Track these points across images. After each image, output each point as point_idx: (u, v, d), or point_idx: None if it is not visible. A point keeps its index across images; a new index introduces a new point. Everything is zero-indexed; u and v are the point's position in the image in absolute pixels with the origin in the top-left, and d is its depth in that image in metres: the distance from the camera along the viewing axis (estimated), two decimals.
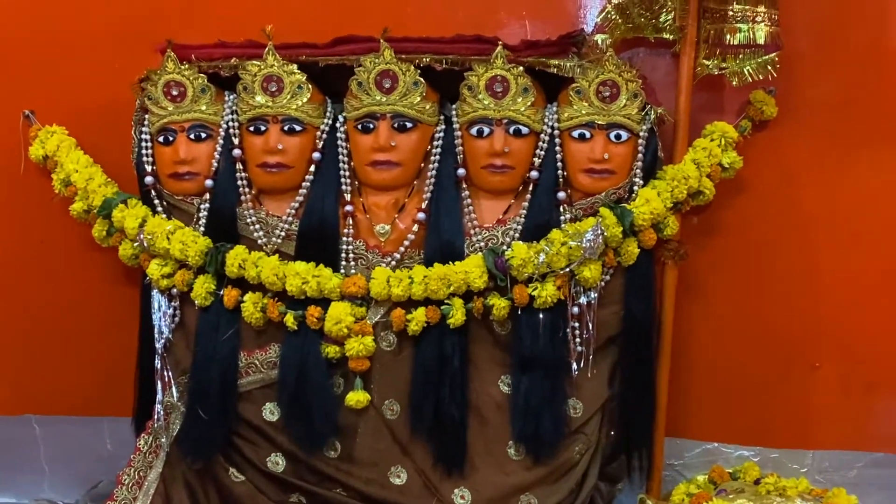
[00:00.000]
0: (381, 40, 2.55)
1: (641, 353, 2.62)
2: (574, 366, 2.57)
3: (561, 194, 2.57)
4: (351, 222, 2.61)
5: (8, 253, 3.01)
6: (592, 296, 2.57)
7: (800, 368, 2.82)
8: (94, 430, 3.04)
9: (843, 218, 2.76)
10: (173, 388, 2.67)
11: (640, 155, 2.57)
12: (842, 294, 2.77)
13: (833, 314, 2.78)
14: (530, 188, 2.59)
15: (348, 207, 2.61)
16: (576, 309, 2.57)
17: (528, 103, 2.55)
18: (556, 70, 2.55)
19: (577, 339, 2.58)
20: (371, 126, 2.58)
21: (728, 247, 2.78)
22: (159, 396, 2.66)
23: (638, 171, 2.57)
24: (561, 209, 2.57)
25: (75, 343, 3.02)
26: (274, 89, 2.59)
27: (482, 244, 2.58)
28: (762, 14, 2.56)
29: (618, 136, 2.55)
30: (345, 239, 2.61)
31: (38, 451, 3.06)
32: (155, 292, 2.69)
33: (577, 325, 2.58)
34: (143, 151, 2.69)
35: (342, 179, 2.63)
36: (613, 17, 2.64)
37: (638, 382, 2.63)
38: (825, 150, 2.75)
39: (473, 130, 2.57)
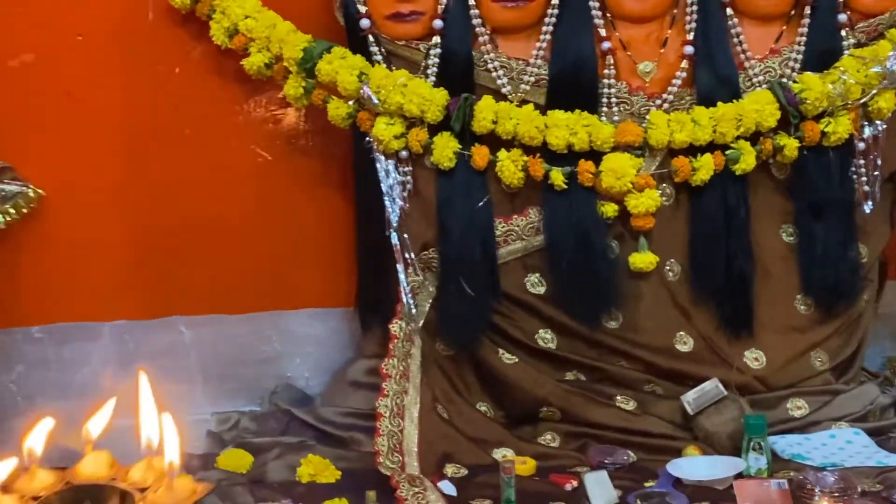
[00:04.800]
0: None
1: None
2: (866, 207, 2.98)
3: (842, 17, 2.96)
4: (613, 61, 2.90)
5: (137, 120, 3.15)
6: (881, 128, 2.97)
7: None
8: (254, 329, 3.28)
9: None
10: (415, 266, 2.94)
11: None
12: None
13: None
14: (806, 11, 2.96)
15: (606, 44, 2.92)
16: (862, 145, 2.97)
17: None
18: None
19: (865, 177, 2.99)
20: None
21: None
22: (402, 277, 2.94)
23: None
24: (843, 34, 2.94)
25: (224, 229, 3.23)
26: None
27: (760, 79, 2.94)
28: None
29: None
30: (605, 81, 2.93)
31: (188, 358, 3.27)
32: (381, 158, 2.91)
33: (862, 161, 2.98)
34: None
35: (593, 12, 2.90)
36: None
37: None
38: None
39: None
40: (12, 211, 3.03)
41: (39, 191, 3.06)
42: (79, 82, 3.10)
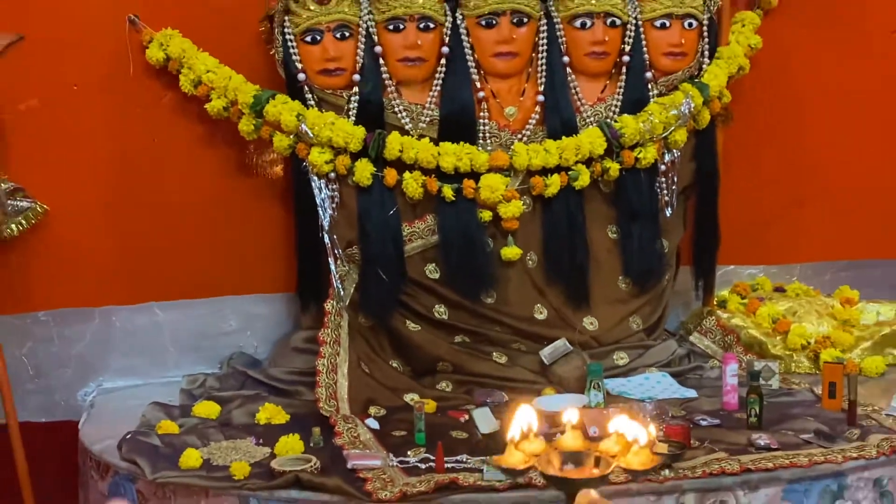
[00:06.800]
0: None
1: (710, 199, 3.25)
2: (667, 212, 3.13)
3: (648, 74, 3.10)
4: (486, 106, 3.00)
5: (121, 150, 3.10)
6: (676, 154, 3.14)
7: (792, 205, 3.53)
8: (214, 310, 3.25)
9: (827, 85, 3.48)
10: (342, 260, 2.97)
11: (705, 39, 3.14)
12: (827, 145, 3.51)
13: (818, 160, 3.51)
14: (623, 70, 3.09)
15: (481, 94, 3.02)
16: (663, 167, 3.12)
17: None
18: None
19: (665, 190, 3.14)
20: (494, 22, 2.98)
21: (739, 110, 3.37)
22: (333, 268, 2.97)
23: (705, 51, 3.15)
24: (649, 87, 3.08)
25: (190, 233, 3.18)
26: None
27: (591, 119, 3.06)
28: None
29: (690, 24, 3.12)
30: (481, 121, 3.01)
31: (162, 334, 3.22)
32: (315, 178, 2.94)
33: (664, 179, 3.13)
34: (291, 50, 2.90)
35: (471, 70, 2.98)
36: None
37: (707, 222, 3.28)
38: (812, 33, 3.42)
39: (577, 23, 3.04)
40: (23, 222, 2.96)
41: (45, 206, 2.98)
42: (75, 122, 3.03)
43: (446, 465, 2.44)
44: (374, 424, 2.74)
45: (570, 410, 1.31)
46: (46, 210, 2.99)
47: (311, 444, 2.59)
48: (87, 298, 3.13)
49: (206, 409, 2.86)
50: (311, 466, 2.43)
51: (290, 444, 2.55)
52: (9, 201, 2.94)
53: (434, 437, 2.56)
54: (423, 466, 2.47)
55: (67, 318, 3.11)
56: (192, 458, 2.51)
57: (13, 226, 2.95)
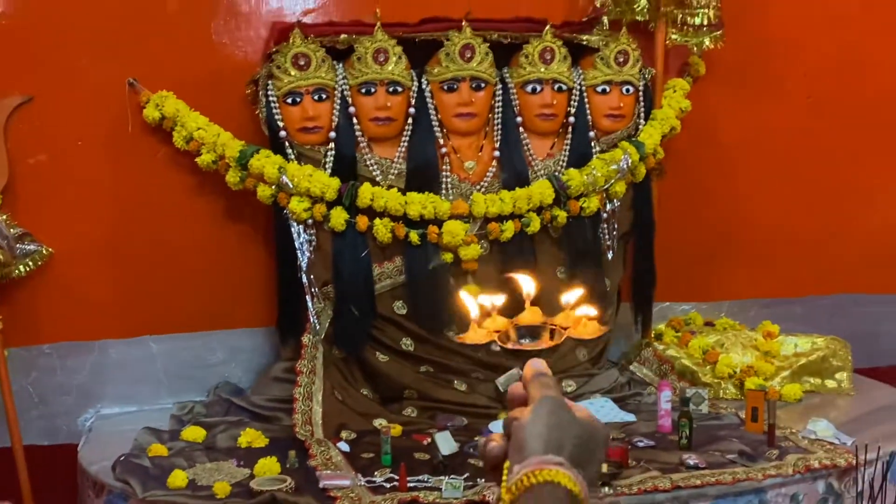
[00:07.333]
0: (464, 21, 2.95)
1: (646, 243, 3.28)
2: (609, 255, 3.16)
3: (591, 133, 3.14)
4: (448, 161, 3.01)
5: (119, 199, 3.09)
6: (616, 203, 3.18)
7: (720, 248, 3.57)
8: (203, 343, 3.23)
9: (749, 143, 3.53)
10: (318, 297, 2.95)
11: (641, 103, 3.18)
12: (750, 196, 3.56)
13: (743, 209, 3.56)
14: (569, 130, 3.13)
15: (443, 150, 3.03)
16: (605, 215, 3.16)
17: (566, 67, 3.07)
18: (586, 42, 3.08)
19: (607, 235, 3.17)
20: (455, 87, 3.01)
21: (672, 165, 3.43)
22: (310, 305, 2.95)
23: (641, 114, 3.19)
24: (592, 144, 3.12)
25: (181, 275, 3.16)
26: (382, 59, 2.93)
27: (541, 172, 3.09)
28: (714, 1, 3.20)
29: (627, 90, 3.15)
30: (444, 174, 3.03)
31: (156, 365, 3.19)
32: (294, 224, 2.94)
33: (605, 226, 3.16)
34: (274, 110, 2.92)
35: (435, 128, 3.01)
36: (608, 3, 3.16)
37: (644, 263, 3.31)
38: (736, 98, 3.48)
39: (528, 88, 3.07)
40: (30, 264, 2.94)
41: (50, 249, 2.97)
42: (79, 174, 3.02)
43: (409, 485, 2.43)
44: (346, 447, 2.72)
45: (526, 281, 1.34)
46: (51, 253, 2.97)
47: (287, 466, 2.56)
48: (86, 333, 3.09)
49: (193, 433, 2.82)
50: (287, 486, 2.42)
51: (268, 466, 2.53)
52: (17, 245, 2.92)
53: (399, 459, 2.54)
54: (387, 486, 2.46)
55: (69, 351, 3.07)
56: (178, 478, 2.49)
57: (21, 267, 2.92)
